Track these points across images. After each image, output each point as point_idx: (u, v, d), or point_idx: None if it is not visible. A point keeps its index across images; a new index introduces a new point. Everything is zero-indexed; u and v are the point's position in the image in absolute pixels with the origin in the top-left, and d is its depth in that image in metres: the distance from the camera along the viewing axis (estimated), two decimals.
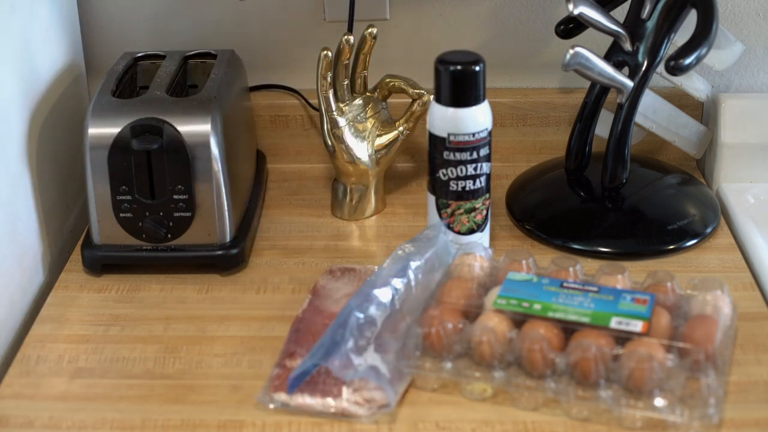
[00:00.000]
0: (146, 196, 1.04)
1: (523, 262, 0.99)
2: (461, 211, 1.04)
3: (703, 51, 1.02)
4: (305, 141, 1.31)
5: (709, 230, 1.12)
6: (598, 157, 1.15)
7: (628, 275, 0.97)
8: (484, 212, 1.06)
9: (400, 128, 1.17)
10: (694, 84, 1.21)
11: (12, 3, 1.04)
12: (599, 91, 1.15)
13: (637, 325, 0.88)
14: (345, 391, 0.87)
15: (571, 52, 1.04)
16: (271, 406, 0.88)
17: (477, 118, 1.01)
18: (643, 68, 1.09)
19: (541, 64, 1.29)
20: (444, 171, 1.02)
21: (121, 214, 1.05)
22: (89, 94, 1.28)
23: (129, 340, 0.98)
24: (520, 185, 1.22)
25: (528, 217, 1.15)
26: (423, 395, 0.89)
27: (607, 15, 1.08)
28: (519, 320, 0.91)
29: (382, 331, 0.92)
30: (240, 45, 1.24)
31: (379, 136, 1.17)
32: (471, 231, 1.05)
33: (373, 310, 0.92)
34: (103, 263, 1.08)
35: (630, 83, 1.09)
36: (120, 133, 1.03)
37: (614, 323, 0.88)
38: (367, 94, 1.17)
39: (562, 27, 1.18)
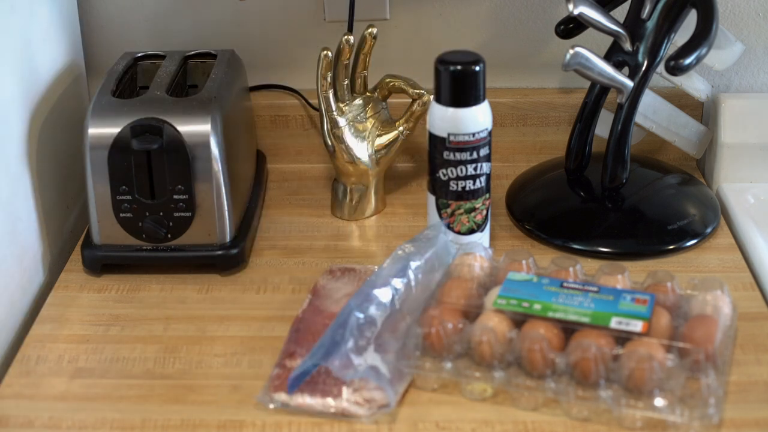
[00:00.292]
0: (146, 196, 1.04)
1: (523, 262, 0.99)
2: (461, 211, 1.04)
3: (703, 51, 1.02)
4: (305, 141, 1.31)
5: (709, 230, 1.12)
6: (598, 157, 1.15)
7: (628, 275, 0.97)
8: (484, 212, 1.06)
9: (400, 128, 1.17)
10: (694, 84, 1.21)
11: (12, 3, 1.04)
12: (599, 91, 1.15)
13: (637, 325, 0.88)
14: (345, 391, 0.87)
15: (571, 52, 1.04)
16: (271, 406, 0.88)
17: (477, 118, 1.01)
18: (643, 68, 1.09)
19: (541, 64, 1.29)
20: (444, 171, 1.02)
21: (121, 214, 1.05)
22: (89, 94, 1.28)
23: (129, 340, 0.98)
24: (520, 185, 1.22)
25: (528, 217, 1.15)
26: (423, 395, 0.89)
27: (607, 15, 1.08)
28: (519, 320, 0.91)
29: (382, 331, 0.92)
30: (240, 45, 1.24)
31: (379, 136, 1.17)
32: (471, 231, 1.05)
33: (373, 310, 0.92)
34: (103, 263, 1.08)
35: (630, 83, 1.09)
36: (120, 133, 1.03)
37: (614, 323, 0.88)
38: (367, 94, 1.17)
39: (562, 27, 1.18)
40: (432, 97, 1.02)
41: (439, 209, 1.05)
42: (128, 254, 1.07)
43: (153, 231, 1.06)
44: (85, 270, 1.09)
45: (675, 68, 1.01)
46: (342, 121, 1.14)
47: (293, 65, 1.29)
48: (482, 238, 1.07)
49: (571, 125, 1.18)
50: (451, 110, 1.00)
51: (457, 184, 1.03)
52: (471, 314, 0.92)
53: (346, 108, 1.15)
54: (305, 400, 0.87)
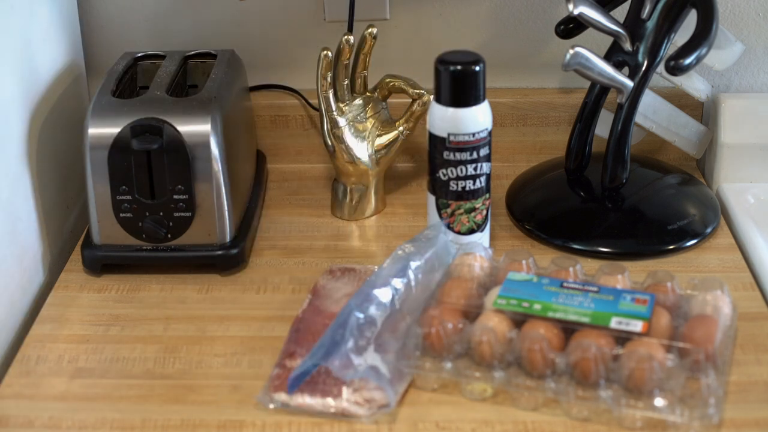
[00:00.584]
0: (146, 196, 1.04)
1: (523, 262, 0.99)
2: (461, 211, 1.04)
3: (703, 51, 1.02)
4: (305, 141, 1.31)
5: (709, 230, 1.12)
6: (598, 157, 1.15)
7: (628, 275, 0.97)
8: (484, 212, 1.06)
9: (400, 128, 1.17)
10: (694, 84, 1.21)
11: (12, 3, 1.04)
12: (599, 91, 1.15)
13: (637, 325, 0.88)
14: (345, 391, 0.87)
15: (571, 52, 1.04)
16: (271, 406, 0.88)
17: (477, 118, 1.01)
18: (643, 68, 1.09)
19: (541, 64, 1.29)
20: (444, 171, 1.02)
21: (121, 214, 1.05)
22: (89, 94, 1.28)
23: (129, 340, 0.98)
24: (520, 185, 1.22)
25: (528, 217, 1.15)
26: (423, 395, 0.89)
27: (607, 15, 1.08)
28: (519, 320, 0.91)
29: (382, 331, 0.92)
30: (240, 45, 1.24)
31: (379, 136, 1.17)
32: (471, 231, 1.05)
33: (373, 310, 0.92)
34: (103, 263, 1.08)
35: (630, 83, 1.09)
36: (120, 133, 1.03)
37: (614, 323, 0.88)
38: (367, 94, 1.17)
39: (562, 27, 1.18)
40: (432, 97, 1.02)
41: (439, 209, 1.05)
42: (128, 254, 1.07)
43: (153, 231, 1.06)
44: (85, 270, 1.09)
45: (675, 68, 1.01)
46: (342, 121, 1.14)
47: (293, 65, 1.29)
48: (482, 238, 1.07)
49: (571, 125, 1.18)
50: (451, 110, 1.00)
51: (457, 184, 1.03)
52: (471, 314, 0.92)
53: (346, 108, 1.15)
54: (305, 400, 0.87)
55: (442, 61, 1.00)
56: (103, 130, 1.04)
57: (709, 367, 0.85)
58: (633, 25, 1.11)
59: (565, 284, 0.94)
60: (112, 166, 1.04)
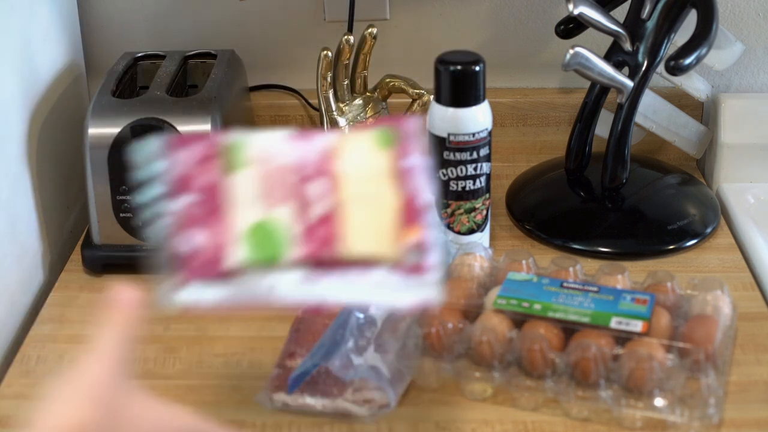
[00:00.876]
0: None
1: (523, 262, 0.99)
2: (461, 211, 1.04)
3: (703, 51, 1.02)
4: None
5: (709, 230, 1.12)
6: (598, 157, 1.15)
7: (628, 275, 0.97)
8: (484, 212, 1.05)
9: None
10: (694, 84, 1.21)
11: (12, 3, 1.04)
12: (599, 91, 1.15)
13: (637, 325, 0.88)
14: (345, 391, 0.87)
15: (571, 52, 1.04)
16: (271, 406, 0.88)
17: (477, 118, 1.01)
18: (643, 68, 1.09)
19: (541, 64, 1.29)
20: (444, 171, 1.02)
21: (121, 214, 1.05)
22: (89, 94, 1.28)
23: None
24: (520, 185, 1.22)
25: (528, 217, 1.15)
26: (423, 395, 0.89)
27: (607, 15, 1.08)
28: (519, 320, 0.91)
29: (382, 331, 0.92)
30: (240, 45, 1.24)
31: None
32: (471, 231, 1.05)
33: (372, 309, 0.92)
34: (103, 263, 1.08)
35: (630, 83, 1.09)
36: (120, 133, 1.03)
37: (614, 323, 0.88)
38: (367, 94, 1.17)
39: (562, 27, 1.18)
40: (432, 97, 1.02)
41: (438, 209, 1.05)
42: (128, 254, 1.07)
43: None
44: (85, 270, 1.09)
45: (675, 68, 1.01)
46: (342, 121, 1.14)
47: (293, 65, 1.29)
48: (482, 238, 1.07)
49: (571, 125, 1.18)
50: (450, 110, 1.00)
51: (457, 184, 1.03)
52: (471, 314, 0.92)
53: (346, 108, 1.15)
54: (305, 400, 0.87)
55: (442, 61, 1.00)
56: (103, 130, 1.04)
57: (709, 367, 0.85)
58: (633, 25, 1.11)
59: (565, 284, 0.94)
60: (112, 166, 1.04)
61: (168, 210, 0.70)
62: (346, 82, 1.14)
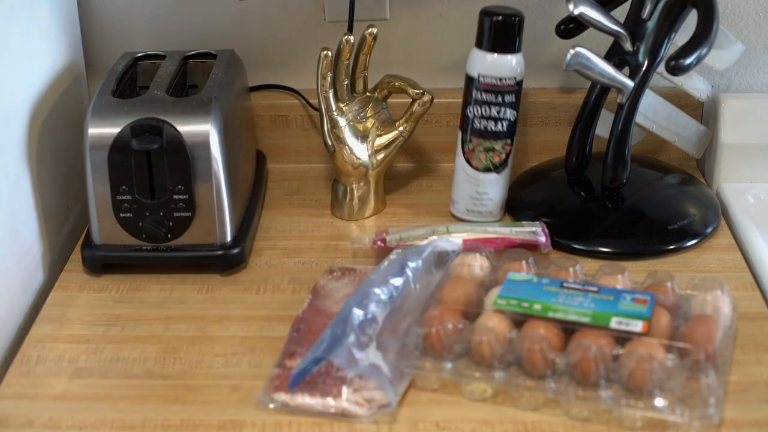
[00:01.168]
0: (146, 196, 1.04)
1: (523, 262, 0.99)
2: (480, 148, 1.13)
3: (704, 51, 1.02)
4: (305, 141, 1.31)
5: (709, 230, 1.12)
6: (599, 157, 1.15)
7: (628, 275, 0.97)
8: (503, 156, 1.13)
9: (400, 128, 1.17)
10: (695, 84, 1.21)
11: (12, 3, 1.04)
12: (600, 91, 1.15)
13: (637, 325, 0.88)
14: (345, 391, 0.87)
15: (572, 52, 1.04)
16: (271, 406, 0.88)
17: (505, 65, 1.09)
18: (644, 68, 1.09)
19: (541, 64, 1.29)
20: (471, 108, 1.12)
21: (121, 214, 1.05)
22: (89, 94, 1.28)
23: (129, 340, 0.98)
24: (520, 185, 1.22)
25: (528, 217, 1.15)
26: (423, 395, 0.89)
27: (607, 15, 1.08)
28: (519, 320, 0.91)
29: (383, 330, 0.92)
30: (240, 45, 1.24)
31: (379, 136, 1.17)
32: (487, 169, 1.13)
33: (373, 307, 0.92)
34: (103, 263, 1.08)
35: (630, 83, 1.09)
36: (120, 133, 1.03)
37: (614, 323, 0.88)
38: (367, 94, 1.17)
39: (562, 27, 1.18)
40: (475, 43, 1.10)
41: (462, 144, 1.14)
42: (128, 254, 1.07)
43: (153, 231, 1.06)
44: (85, 270, 1.09)
45: (675, 68, 1.01)
46: (342, 121, 1.14)
47: (293, 65, 1.29)
48: (498, 181, 1.14)
49: (571, 125, 1.18)
50: (484, 54, 1.10)
51: (480, 123, 1.12)
52: (471, 314, 0.92)
53: (346, 108, 1.15)
54: (305, 400, 0.87)
55: (485, 11, 1.09)
56: (103, 130, 1.04)
57: (709, 367, 0.85)
58: (633, 25, 1.11)
59: (565, 284, 0.94)
60: (112, 166, 1.04)
61: None
62: (346, 82, 1.14)
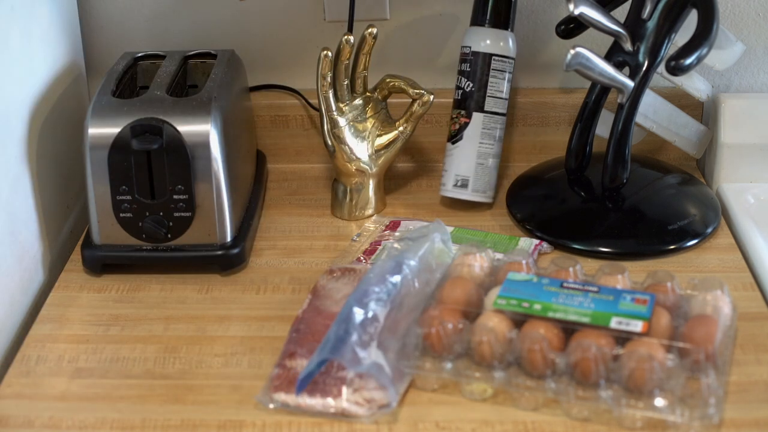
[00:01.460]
0: (146, 196, 1.04)
1: (523, 262, 0.99)
2: (449, 117, 1.19)
3: (704, 51, 1.02)
4: (305, 141, 1.31)
5: (709, 230, 1.12)
6: (599, 157, 1.15)
7: (628, 275, 0.97)
8: (457, 126, 1.16)
9: (400, 128, 1.17)
10: (695, 84, 1.21)
11: (12, 3, 1.04)
12: (600, 91, 1.15)
13: (637, 325, 0.88)
14: (345, 391, 0.87)
15: (572, 52, 1.04)
16: (271, 406, 0.88)
17: (469, 35, 1.15)
18: (644, 68, 1.09)
19: (541, 64, 1.29)
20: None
21: (121, 214, 1.06)
22: (89, 94, 1.28)
23: (129, 340, 0.98)
24: (520, 185, 1.22)
25: (528, 217, 1.15)
26: (423, 395, 0.89)
27: (607, 15, 1.08)
28: (519, 320, 0.91)
29: (384, 329, 0.92)
30: (240, 45, 1.24)
31: (379, 136, 1.17)
32: (448, 138, 1.18)
33: (373, 305, 0.92)
34: (103, 263, 1.08)
35: (630, 83, 1.09)
36: (120, 133, 1.03)
37: (614, 323, 0.88)
38: (367, 94, 1.17)
39: (562, 27, 1.18)
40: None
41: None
42: (128, 254, 1.07)
43: (153, 231, 1.06)
44: (85, 270, 1.09)
45: (675, 68, 1.01)
46: (342, 121, 1.14)
47: (293, 65, 1.29)
48: (452, 151, 1.16)
49: (571, 125, 1.18)
50: (468, 28, 1.17)
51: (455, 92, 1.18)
52: (471, 314, 0.92)
53: (346, 108, 1.15)
54: (305, 400, 0.87)
55: None
56: (103, 130, 1.04)
57: (709, 367, 0.85)
58: (633, 25, 1.11)
59: (565, 284, 0.94)
60: (112, 166, 1.04)
61: None
62: (346, 82, 1.14)
